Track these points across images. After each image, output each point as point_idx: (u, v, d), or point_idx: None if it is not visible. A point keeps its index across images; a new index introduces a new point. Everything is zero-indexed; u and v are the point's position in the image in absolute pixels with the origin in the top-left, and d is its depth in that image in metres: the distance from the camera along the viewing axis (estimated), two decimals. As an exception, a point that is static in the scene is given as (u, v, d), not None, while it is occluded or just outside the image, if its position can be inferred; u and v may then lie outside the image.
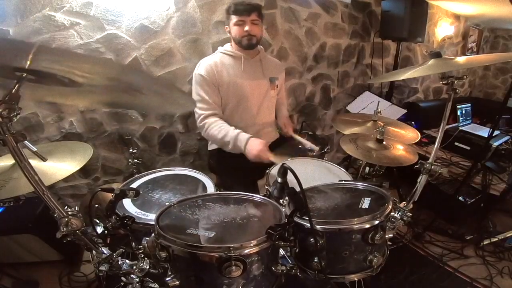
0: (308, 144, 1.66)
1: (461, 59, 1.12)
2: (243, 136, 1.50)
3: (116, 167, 2.01)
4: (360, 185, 1.07)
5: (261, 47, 1.76)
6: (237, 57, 1.66)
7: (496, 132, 2.39)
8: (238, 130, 1.54)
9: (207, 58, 1.68)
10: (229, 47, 1.70)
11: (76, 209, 0.79)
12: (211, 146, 1.81)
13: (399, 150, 1.38)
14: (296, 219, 0.81)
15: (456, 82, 1.12)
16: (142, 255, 0.85)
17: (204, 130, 1.60)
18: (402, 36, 2.58)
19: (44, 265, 1.67)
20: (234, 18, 1.57)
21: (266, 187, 1.22)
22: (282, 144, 1.84)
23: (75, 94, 0.88)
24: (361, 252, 0.86)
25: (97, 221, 0.91)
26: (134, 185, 1.16)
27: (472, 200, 2.20)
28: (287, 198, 0.88)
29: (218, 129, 1.56)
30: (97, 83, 0.80)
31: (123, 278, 0.88)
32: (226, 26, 1.65)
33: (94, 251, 0.84)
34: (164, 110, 1.04)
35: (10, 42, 0.60)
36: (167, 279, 0.75)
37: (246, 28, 1.56)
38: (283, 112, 1.97)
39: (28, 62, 0.60)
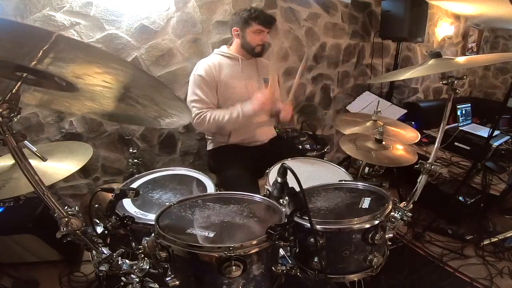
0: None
1: (461, 59, 1.12)
2: (246, 103, 1.56)
3: (116, 167, 2.01)
4: (360, 185, 1.07)
5: None
6: (234, 59, 1.68)
7: (496, 132, 2.39)
8: (238, 105, 1.59)
9: (205, 59, 1.68)
10: (225, 49, 1.70)
11: (76, 209, 0.79)
12: (210, 146, 1.81)
13: (399, 150, 1.38)
14: (296, 219, 0.81)
15: (456, 82, 1.12)
16: (142, 255, 0.85)
17: (206, 121, 1.55)
18: (402, 36, 2.58)
19: (44, 265, 1.67)
20: (254, 26, 1.57)
21: (266, 187, 1.22)
22: (280, 144, 1.83)
23: (71, 99, 0.87)
24: (361, 252, 0.86)
25: (97, 221, 0.91)
26: (134, 185, 1.16)
27: (472, 200, 2.20)
28: (287, 198, 0.88)
29: (220, 113, 1.57)
30: (98, 89, 0.79)
31: (123, 278, 0.88)
32: (236, 28, 1.62)
33: (94, 251, 0.84)
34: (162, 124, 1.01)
35: (30, 28, 0.57)
36: (167, 279, 0.75)
37: (265, 39, 1.61)
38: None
39: (40, 53, 0.59)
